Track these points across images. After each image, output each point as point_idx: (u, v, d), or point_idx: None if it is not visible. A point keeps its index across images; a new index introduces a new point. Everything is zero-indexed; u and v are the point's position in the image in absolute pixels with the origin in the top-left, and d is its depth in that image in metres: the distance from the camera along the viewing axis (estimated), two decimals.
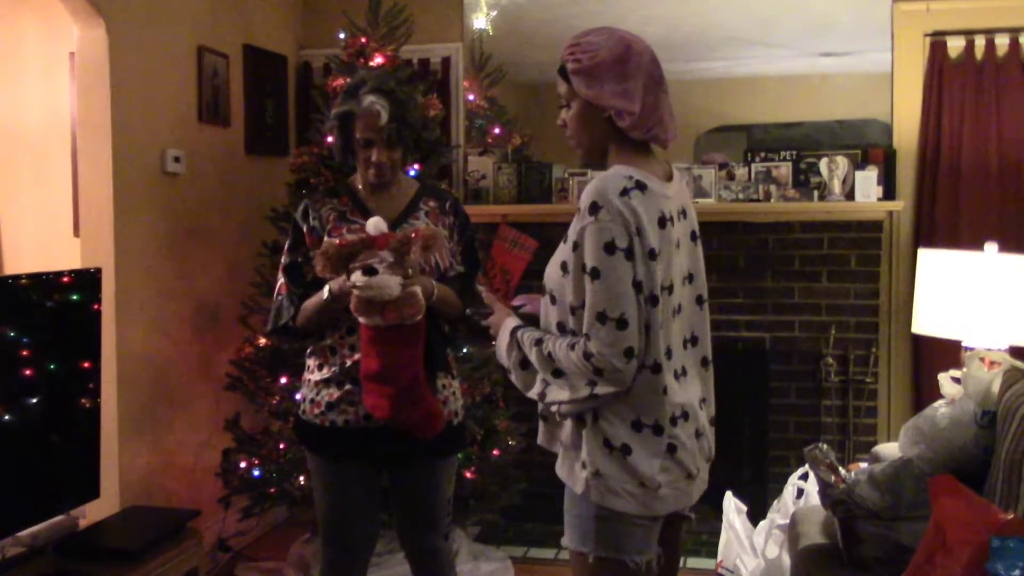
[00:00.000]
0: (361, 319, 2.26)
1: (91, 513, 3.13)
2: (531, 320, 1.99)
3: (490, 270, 4.13)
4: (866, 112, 4.23)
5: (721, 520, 3.44)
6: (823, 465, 2.64)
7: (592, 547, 1.84)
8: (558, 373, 1.83)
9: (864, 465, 2.90)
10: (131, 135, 3.44)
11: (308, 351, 2.52)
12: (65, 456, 2.88)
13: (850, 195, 3.98)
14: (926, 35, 4.07)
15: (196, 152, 3.83)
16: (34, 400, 2.74)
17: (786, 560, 3.03)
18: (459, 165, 4.42)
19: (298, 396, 2.60)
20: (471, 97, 4.57)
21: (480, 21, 4.53)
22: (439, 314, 2.43)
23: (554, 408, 1.87)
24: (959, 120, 3.99)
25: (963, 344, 3.25)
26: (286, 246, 2.54)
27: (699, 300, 1.96)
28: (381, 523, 2.67)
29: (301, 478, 3.46)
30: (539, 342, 1.86)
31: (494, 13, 4.51)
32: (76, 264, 3.34)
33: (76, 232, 3.62)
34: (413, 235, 2.26)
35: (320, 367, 2.46)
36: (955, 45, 4.03)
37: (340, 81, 3.60)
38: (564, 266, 1.83)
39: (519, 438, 3.72)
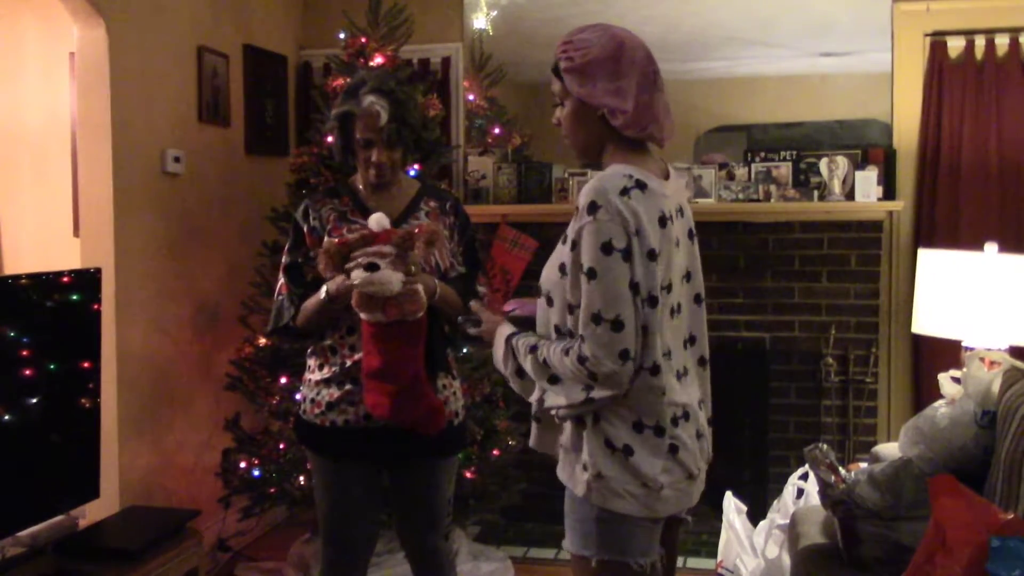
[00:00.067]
0: (362, 315, 2.26)
1: (91, 513, 3.13)
2: (526, 323, 1.97)
3: (490, 270, 4.13)
4: (866, 112, 4.23)
5: (721, 520, 3.44)
6: (823, 465, 2.64)
7: (595, 550, 1.82)
8: (554, 379, 1.80)
9: (864, 465, 2.90)
10: (131, 135, 3.45)
11: (308, 351, 2.52)
12: (65, 456, 2.88)
13: (850, 195, 3.98)
14: (926, 35, 4.07)
15: (196, 152, 3.83)
16: (34, 400, 2.74)
17: (786, 560, 3.03)
18: (459, 165, 4.42)
19: (298, 396, 2.60)
20: (471, 97, 4.57)
21: (480, 21, 4.53)
22: (440, 314, 2.43)
23: (553, 412, 1.86)
24: (959, 120, 3.99)
25: (963, 344, 3.25)
26: (286, 246, 2.54)
27: (697, 299, 1.95)
28: (381, 523, 2.67)
29: (301, 478, 3.47)
30: (534, 349, 1.84)
31: (494, 13, 4.51)
32: (76, 264, 3.34)
33: (76, 232, 3.62)
34: (416, 231, 2.26)
35: (320, 367, 2.46)
36: (955, 45, 4.02)
37: (340, 81, 3.60)
38: (562, 267, 1.81)
39: (519, 438, 3.72)
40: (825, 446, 2.73)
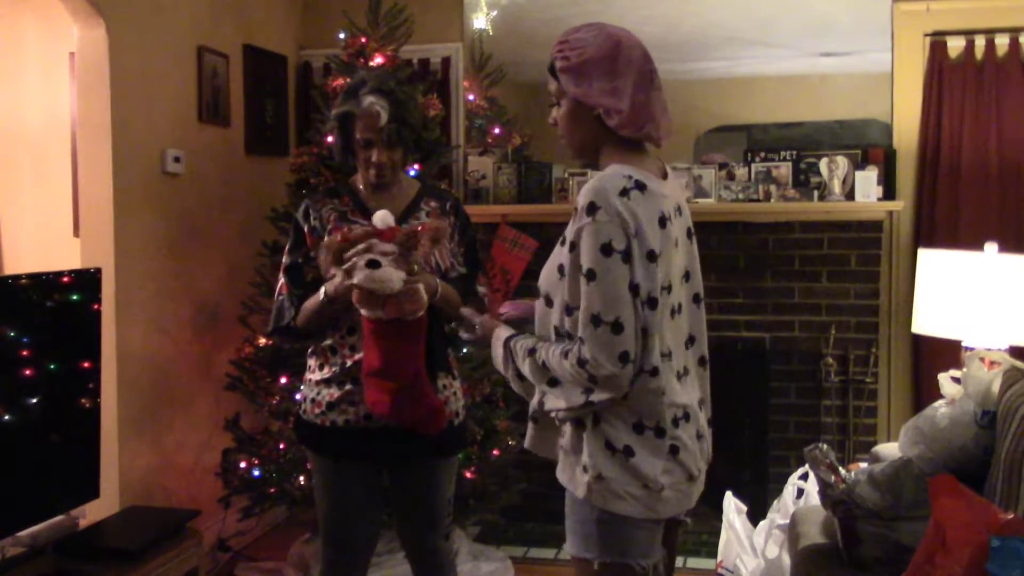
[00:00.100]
0: (362, 311, 2.26)
1: (91, 513, 3.14)
2: (521, 324, 1.96)
3: (490, 270, 4.13)
4: (866, 112, 4.23)
5: (721, 520, 3.44)
6: (823, 465, 2.64)
7: (596, 553, 1.81)
8: (554, 382, 1.79)
9: (864, 465, 2.90)
10: (131, 135, 3.45)
11: (309, 351, 2.52)
12: (65, 456, 2.88)
13: (850, 195, 3.98)
14: (926, 35, 4.07)
15: (196, 152, 3.83)
16: (34, 400, 2.74)
17: (786, 560, 3.03)
18: (459, 165, 4.42)
19: (298, 396, 2.60)
20: (471, 97, 4.57)
21: (480, 21, 4.53)
22: (441, 314, 2.43)
23: (553, 415, 1.85)
24: (959, 120, 3.99)
25: (963, 344, 3.25)
26: (287, 247, 2.54)
27: (696, 299, 1.93)
28: (381, 523, 2.67)
29: (301, 478, 3.47)
30: (532, 352, 1.82)
31: (494, 13, 4.51)
32: (76, 264, 3.34)
33: (76, 232, 3.63)
34: (420, 229, 2.25)
35: (321, 367, 2.46)
36: (955, 45, 4.02)
37: (340, 81, 3.60)
38: (560, 268, 1.79)
39: (519, 438, 3.71)
40: (825, 446, 2.73)
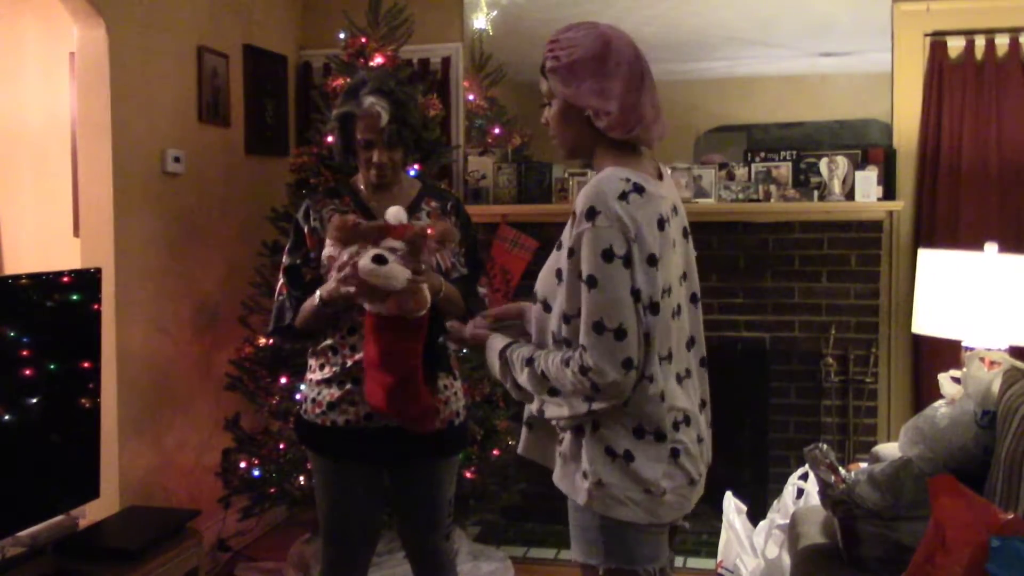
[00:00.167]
0: (364, 304, 2.25)
1: (91, 513, 3.14)
2: (509, 330, 1.94)
3: (490, 270, 4.13)
4: (866, 112, 4.23)
5: (721, 520, 3.44)
6: (823, 465, 2.64)
7: (601, 559, 1.79)
8: (553, 391, 1.77)
9: (864, 465, 2.90)
10: (131, 135, 3.45)
11: (310, 351, 2.52)
12: (65, 456, 2.88)
13: (850, 195, 3.98)
14: (926, 35, 4.07)
15: (196, 152, 3.83)
16: (34, 400, 2.74)
17: (786, 560, 3.03)
18: (459, 165, 4.42)
19: (298, 396, 2.60)
20: (471, 97, 4.57)
21: (480, 21, 4.53)
22: (443, 313, 2.43)
23: (554, 423, 1.83)
24: (959, 120, 3.99)
25: (963, 344, 3.25)
26: (287, 247, 2.54)
27: (693, 298, 1.91)
28: (382, 523, 2.67)
29: (301, 478, 3.46)
30: (530, 361, 1.79)
31: (494, 13, 4.51)
32: (76, 264, 3.34)
33: (76, 232, 3.62)
34: (430, 230, 2.25)
35: (321, 367, 2.46)
36: (955, 45, 4.02)
37: (340, 81, 3.60)
38: (559, 273, 1.77)
39: (519, 438, 3.71)
40: (825, 446, 2.73)
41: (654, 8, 4.32)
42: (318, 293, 2.34)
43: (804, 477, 3.30)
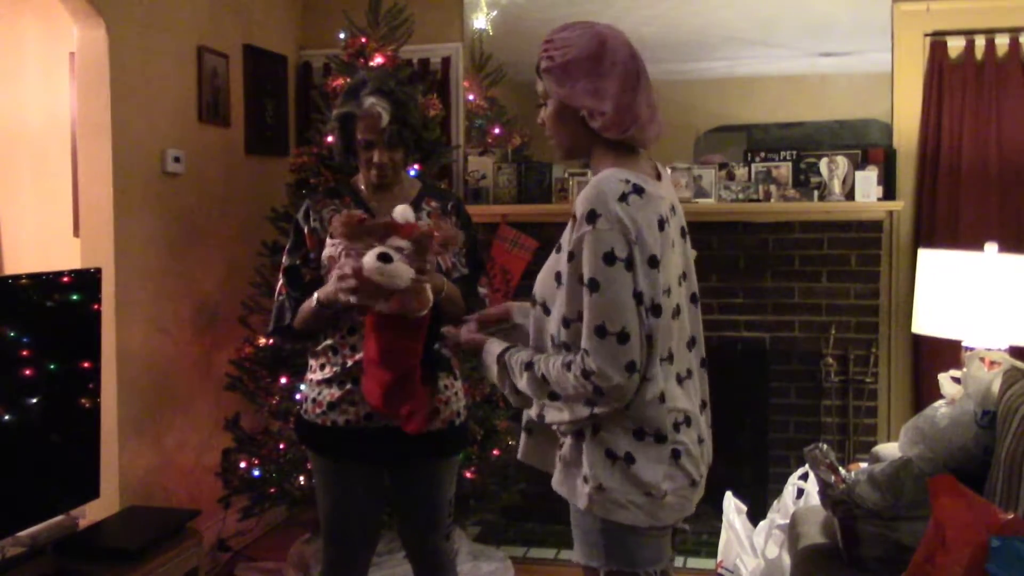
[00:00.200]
0: (366, 300, 2.24)
1: (91, 513, 3.14)
2: (511, 334, 1.92)
3: (490, 270, 4.13)
4: (866, 112, 4.23)
5: (721, 520, 3.44)
6: (823, 465, 2.64)
7: (602, 561, 1.78)
8: (554, 396, 1.75)
9: (864, 465, 2.90)
10: (131, 135, 3.45)
11: (310, 351, 2.52)
12: (65, 456, 2.88)
13: (850, 195, 3.98)
14: (926, 35, 4.07)
15: (196, 152, 3.83)
16: (34, 400, 2.74)
17: (786, 560, 3.03)
18: (459, 165, 4.42)
19: (299, 396, 2.60)
20: (471, 97, 4.57)
21: (480, 21, 4.53)
22: (444, 313, 2.42)
23: (555, 427, 1.82)
24: (959, 120, 3.99)
25: (963, 344, 3.25)
26: (287, 247, 2.54)
27: (693, 298, 1.89)
28: (382, 523, 2.67)
29: (301, 478, 3.46)
30: (529, 366, 1.77)
31: (494, 13, 4.51)
32: (76, 264, 3.34)
33: (76, 232, 3.62)
34: (436, 232, 2.25)
35: (322, 367, 2.46)
36: (955, 45, 4.02)
37: (340, 81, 3.60)
38: (558, 276, 1.74)
39: (519, 438, 3.71)
40: (825, 446, 2.73)
41: (654, 8, 4.32)
42: (315, 296, 2.34)
43: (804, 477, 3.30)
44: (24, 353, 2.71)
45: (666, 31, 4.35)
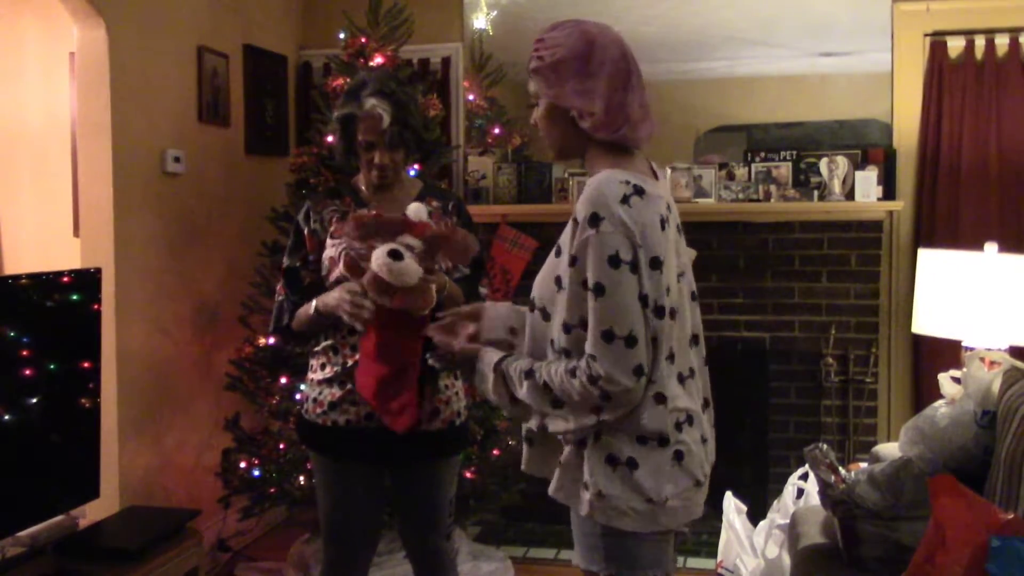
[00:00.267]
0: (369, 294, 2.24)
1: (91, 513, 3.13)
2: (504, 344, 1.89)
3: (490, 270, 4.13)
4: (866, 112, 4.23)
5: (721, 520, 3.44)
6: (823, 465, 2.64)
7: (602, 565, 1.76)
8: (557, 403, 1.70)
9: (864, 465, 2.90)
10: (131, 135, 3.44)
11: (311, 351, 2.53)
12: (65, 456, 2.88)
13: (850, 195, 3.98)
14: (926, 35, 4.07)
15: (196, 152, 3.83)
16: (34, 400, 2.74)
17: (786, 560, 3.03)
18: (459, 165, 4.42)
19: (299, 396, 2.60)
20: (471, 97, 4.57)
21: (480, 21, 4.53)
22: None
23: (560, 437, 1.79)
24: (959, 120, 3.99)
25: (963, 344, 3.25)
26: (287, 248, 2.54)
27: (692, 296, 1.87)
28: (382, 523, 2.67)
29: (301, 478, 3.46)
30: (530, 374, 1.73)
31: (494, 13, 4.51)
32: (76, 264, 3.34)
33: (76, 232, 3.62)
34: (449, 234, 2.24)
35: (323, 367, 2.46)
36: (955, 45, 4.02)
37: (340, 81, 3.60)
38: (558, 280, 1.71)
39: (519, 438, 3.71)
40: (825, 446, 2.73)
41: (654, 8, 4.32)
42: (314, 304, 2.35)
43: (804, 477, 3.30)
44: (24, 353, 2.71)
45: (666, 31, 4.35)
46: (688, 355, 1.82)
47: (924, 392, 3.96)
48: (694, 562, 3.84)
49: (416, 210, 2.25)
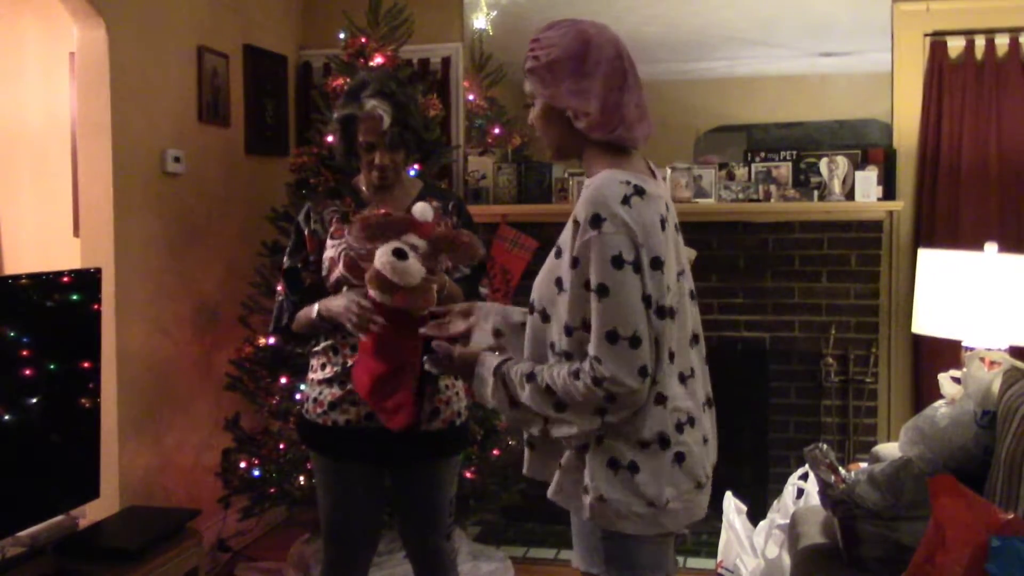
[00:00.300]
0: (370, 292, 2.23)
1: (91, 513, 3.13)
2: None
3: (490, 270, 4.13)
4: (866, 112, 4.23)
5: (721, 520, 3.44)
6: (823, 465, 2.64)
7: (603, 567, 1.76)
8: (560, 406, 1.69)
9: (864, 465, 2.90)
10: (131, 135, 3.44)
11: (311, 351, 2.53)
12: (65, 456, 2.88)
13: (850, 195, 3.98)
14: (926, 35, 4.07)
15: (196, 152, 3.83)
16: (34, 400, 2.74)
17: (786, 560, 3.03)
18: (459, 165, 4.42)
19: (299, 395, 2.60)
20: (471, 97, 4.57)
21: (480, 21, 4.53)
22: None
23: (564, 442, 1.77)
24: (959, 120, 3.99)
25: (963, 344, 3.25)
26: (287, 249, 2.54)
27: (691, 295, 1.86)
28: (382, 523, 2.67)
29: (301, 478, 3.46)
30: (532, 377, 1.71)
31: (494, 13, 4.52)
32: (76, 264, 3.34)
33: (76, 232, 3.62)
34: (453, 238, 2.24)
35: (323, 366, 2.46)
36: (955, 45, 4.02)
37: (340, 81, 3.60)
38: (558, 282, 1.70)
39: (519, 438, 3.71)
40: (825, 446, 2.73)
41: (654, 8, 4.32)
42: (316, 308, 2.35)
43: (804, 477, 3.30)
44: (24, 353, 2.71)
45: (666, 31, 4.35)
46: (688, 355, 1.81)
47: (924, 392, 3.96)
48: (694, 562, 3.84)
49: (422, 210, 2.25)
